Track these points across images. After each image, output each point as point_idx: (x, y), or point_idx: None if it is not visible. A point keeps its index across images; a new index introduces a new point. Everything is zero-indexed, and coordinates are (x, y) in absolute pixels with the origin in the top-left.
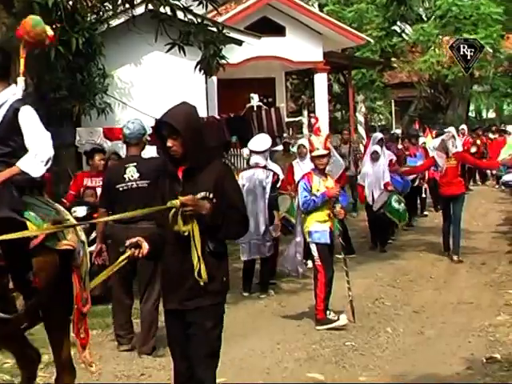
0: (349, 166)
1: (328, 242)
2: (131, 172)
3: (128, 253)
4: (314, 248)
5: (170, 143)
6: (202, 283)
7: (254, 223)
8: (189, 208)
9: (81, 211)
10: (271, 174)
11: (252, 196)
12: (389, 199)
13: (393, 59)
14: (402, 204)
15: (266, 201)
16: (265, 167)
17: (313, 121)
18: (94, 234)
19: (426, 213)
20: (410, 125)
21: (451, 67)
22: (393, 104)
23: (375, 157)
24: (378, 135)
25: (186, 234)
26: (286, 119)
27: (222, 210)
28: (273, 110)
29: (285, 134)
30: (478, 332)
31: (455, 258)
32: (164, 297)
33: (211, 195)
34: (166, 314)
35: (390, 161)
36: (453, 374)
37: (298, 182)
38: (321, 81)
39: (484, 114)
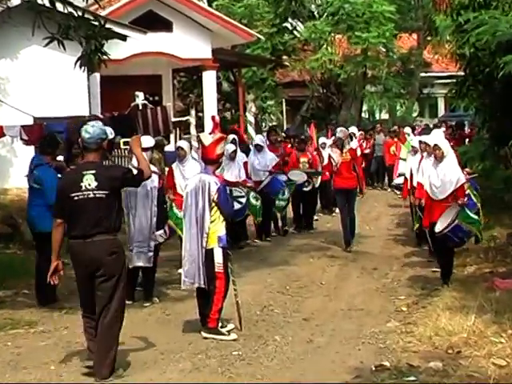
0: None
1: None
2: (88, 180)
3: None
4: (219, 254)
5: None
6: None
7: (139, 229)
8: None
9: None
10: (156, 177)
11: (135, 199)
12: (247, 195)
13: (284, 57)
14: (259, 201)
15: (153, 207)
16: None
17: (217, 119)
18: None
19: (315, 217)
20: (302, 125)
21: (344, 66)
22: (284, 104)
23: (232, 155)
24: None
25: None
26: (173, 119)
27: None
28: (159, 108)
29: (171, 135)
30: (367, 339)
31: (348, 248)
32: None
33: None
34: None
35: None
36: (341, 382)
37: (218, 188)
38: (209, 79)
39: (377, 115)
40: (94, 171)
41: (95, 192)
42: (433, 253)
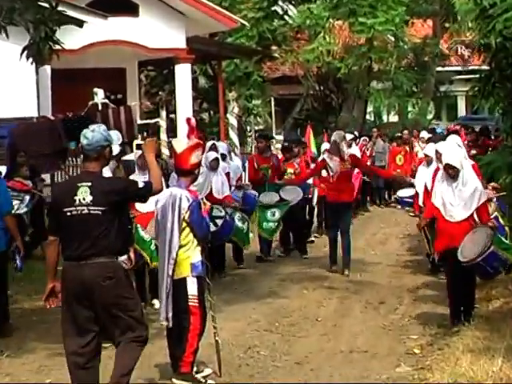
0: None
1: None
2: (83, 194)
3: None
4: (194, 285)
5: None
6: None
7: None
8: None
9: None
10: None
11: None
12: (231, 216)
13: (273, 48)
14: (247, 223)
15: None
16: None
17: (193, 122)
18: None
19: (311, 238)
20: (295, 129)
21: (344, 59)
22: (273, 103)
23: (214, 165)
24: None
25: None
26: (139, 121)
27: None
28: (122, 108)
29: (138, 140)
30: None
31: (346, 272)
32: None
33: None
34: None
35: None
36: None
37: (191, 205)
38: (183, 73)
39: (384, 117)
40: (89, 183)
41: (90, 208)
42: None
